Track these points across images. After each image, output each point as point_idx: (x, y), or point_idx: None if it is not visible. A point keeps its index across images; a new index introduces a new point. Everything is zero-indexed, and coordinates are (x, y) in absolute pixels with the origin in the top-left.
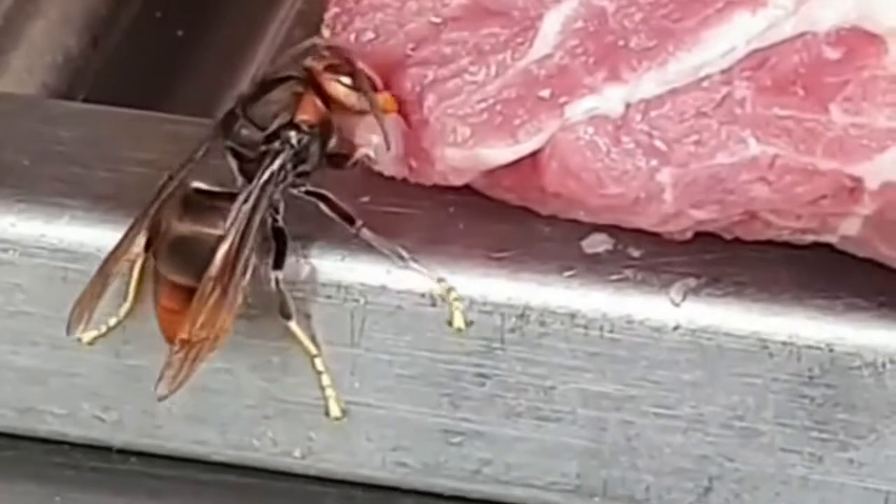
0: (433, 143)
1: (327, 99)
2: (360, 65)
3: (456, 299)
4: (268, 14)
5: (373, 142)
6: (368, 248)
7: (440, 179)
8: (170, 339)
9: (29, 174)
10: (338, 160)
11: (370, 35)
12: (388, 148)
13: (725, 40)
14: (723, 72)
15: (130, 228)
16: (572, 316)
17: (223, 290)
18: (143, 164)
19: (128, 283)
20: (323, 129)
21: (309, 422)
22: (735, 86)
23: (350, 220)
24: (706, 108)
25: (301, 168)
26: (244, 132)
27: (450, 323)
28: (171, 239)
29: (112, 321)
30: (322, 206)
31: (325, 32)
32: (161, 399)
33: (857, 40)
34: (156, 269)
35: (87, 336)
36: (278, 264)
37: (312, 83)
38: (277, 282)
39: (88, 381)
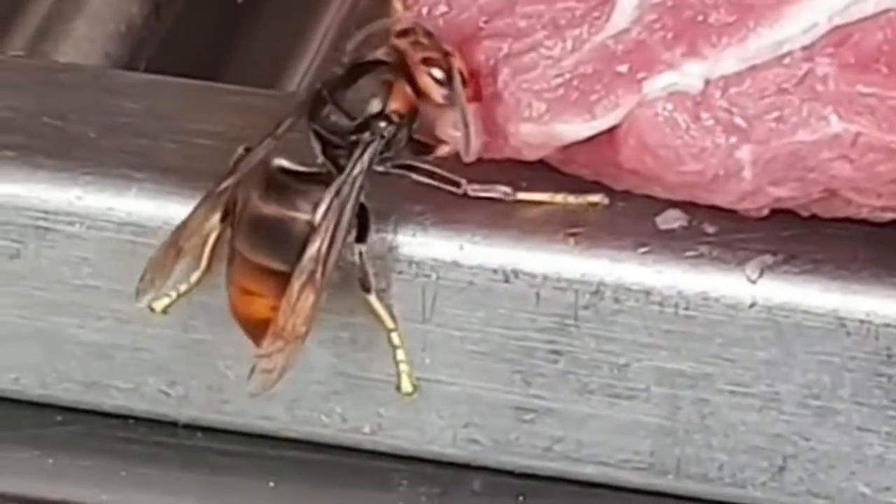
0: (507, 118)
1: (417, 89)
2: (456, 61)
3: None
4: None
5: (455, 137)
6: (441, 223)
7: (514, 154)
8: (240, 319)
9: (95, 146)
10: (419, 147)
11: (443, 8)
12: (469, 148)
13: (807, 16)
14: (804, 48)
15: (205, 199)
16: (647, 293)
17: (315, 286)
18: (210, 136)
19: (201, 253)
20: (411, 118)
21: (378, 398)
22: (817, 62)
23: (454, 183)
24: (787, 84)
25: (387, 154)
26: (332, 117)
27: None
28: (252, 217)
29: (183, 287)
30: (416, 176)
31: (397, 5)
32: (254, 395)
33: None
34: (232, 246)
35: (159, 304)
36: (362, 238)
37: (405, 72)
38: (361, 255)
39: (155, 355)
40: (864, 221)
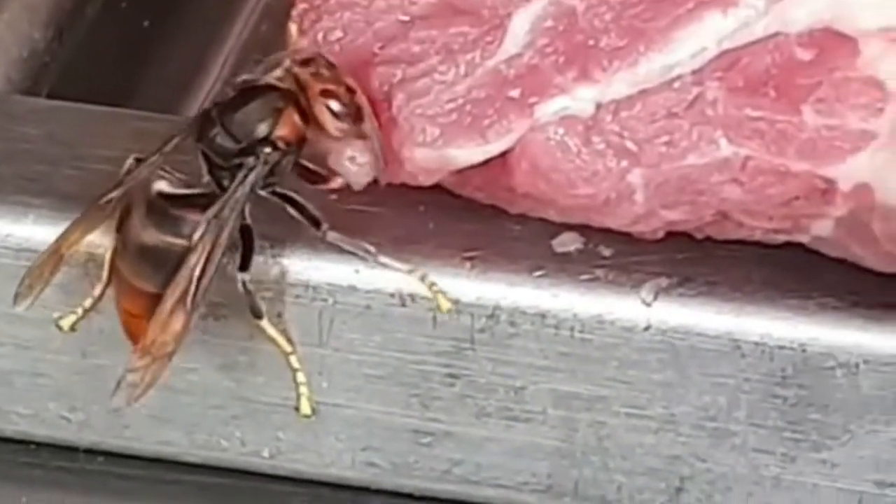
0: (402, 143)
1: (309, 118)
2: (359, 95)
3: (433, 285)
4: (235, 6)
5: (349, 169)
6: (336, 247)
7: (409, 179)
8: (133, 340)
9: None
10: (308, 174)
11: (338, 34)
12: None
13: (696, 40)
14: (694, 72)
15: (88, 209)
16: (542, 316)
17: (187, 304)
18: (109, 161)
19: (84, 263)
20: (298, 146)
21: (277, 422)
22: (706, 86)
23: (316, 223)
24: (677, 108)
25: (270, 179)
26: (219, 139)
27: (438, 308)
28: (133, 245)
29: (88, 303)
30: (289, 208)
31: (293, 28)
32: (117, 410)
33: (830, 41)
34: (115, 266)
35: (66, 322)
36: (244, 266)
37: (295, 100)
38: (245, 284)
39: (54, 381)
40: (757, 243)
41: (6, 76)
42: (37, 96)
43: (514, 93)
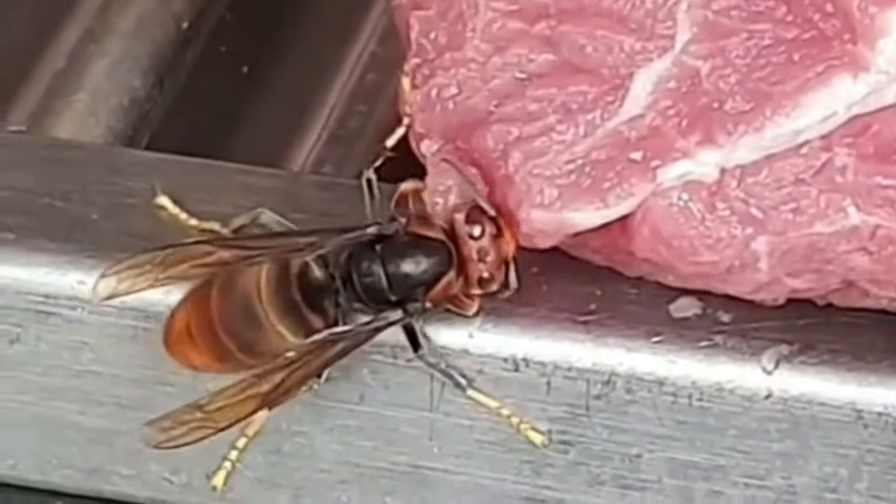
0: (518, 204)
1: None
2: (509, 246)
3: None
4: (339, 54)
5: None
6: (448, 312)
7: (525, 242)
8: (169, 343)
9: (97, 228)
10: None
11: (453, 90)
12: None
13: (825, 105)
14: (822, 138)
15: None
16: (660, 383)
17: (263, 398)
18: (216, 217)
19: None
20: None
21: (385, 487)
22: (835, 152)
23: (416, 345)
24: (805, 174)
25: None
26: (373, 278)
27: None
28: (243, 300)
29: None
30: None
31: (405, 82)
32: (148, 445)
33: None
34: (216, 286)
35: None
36: (416, 346)
37: (457, 264)
38: (426, 361)
39: None
40: (881, 310)
41: (107, 125)
42: (138, 145)
43: (636, 155)
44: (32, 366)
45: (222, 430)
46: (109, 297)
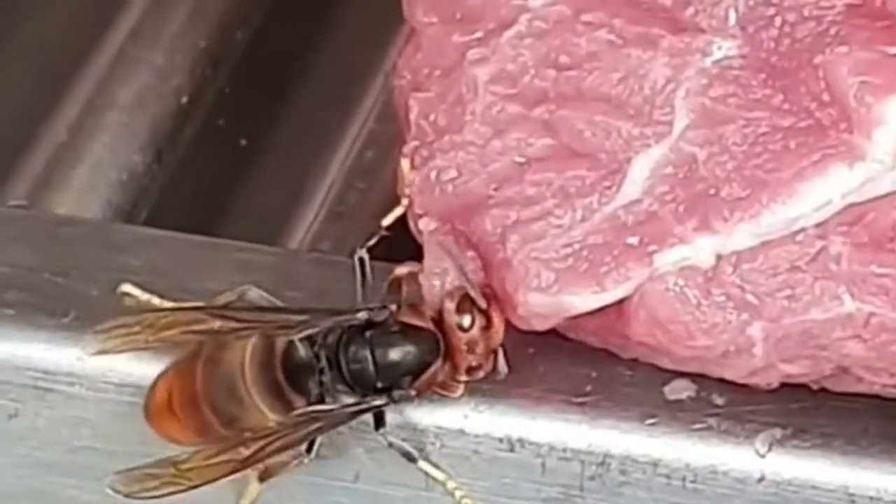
0: (516, 287)
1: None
2: (498, 335)
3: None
4: (338, 131)
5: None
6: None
7: (522, 324)
8: (148, 412)
9: (96, 304)
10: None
11: (452, 173)
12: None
13: (821, 193)
14: (818, 225)
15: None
16: (654, 465)
17: (241, 465)
18: (214, 294)
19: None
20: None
21: None
22: (830, 240)
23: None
24: (800, 262)
25: None
26: (361, 365)
27: None
28: (228, 376)
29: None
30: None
31: (405, 164)
32: (121, 493)
33: None
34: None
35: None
36: (379, 424)
37: (448, 358)
38: (386, 437)
39: None
40: (875, 395)
41: (107, 200)
42: (136, 220)
43: (633, 240)
44: (30, 440)
45: (194, 488)
46: (99, 353)
